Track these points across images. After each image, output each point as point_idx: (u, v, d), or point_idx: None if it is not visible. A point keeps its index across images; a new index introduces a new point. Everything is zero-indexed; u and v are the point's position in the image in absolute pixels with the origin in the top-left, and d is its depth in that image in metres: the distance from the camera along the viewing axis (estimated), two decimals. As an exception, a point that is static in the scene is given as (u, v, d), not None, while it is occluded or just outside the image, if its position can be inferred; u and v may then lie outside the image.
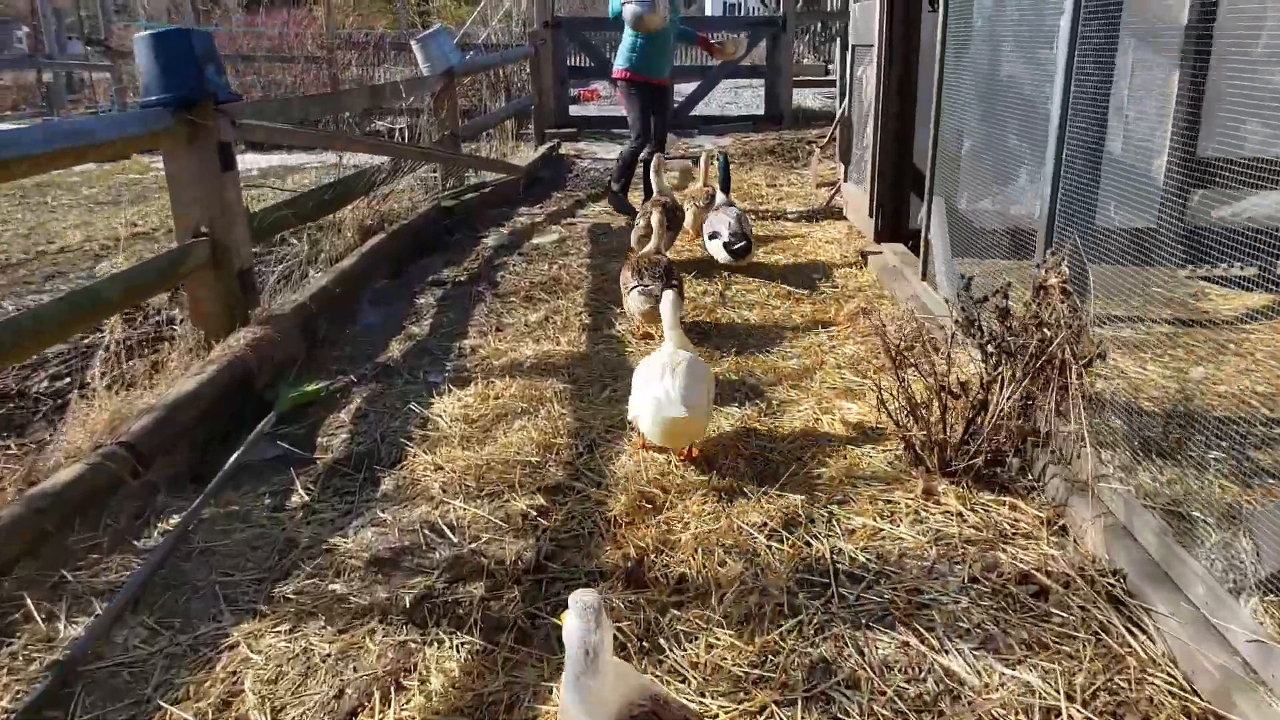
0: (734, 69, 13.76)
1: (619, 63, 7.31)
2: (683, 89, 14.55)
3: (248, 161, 10.41)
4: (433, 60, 8.31)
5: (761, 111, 14.19)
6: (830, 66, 19.86)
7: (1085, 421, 3.00)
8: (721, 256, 6.09)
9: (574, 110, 14.63)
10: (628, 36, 7.10)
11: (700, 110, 14.17)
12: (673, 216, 6.48)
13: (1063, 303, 3.17)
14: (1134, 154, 3.55)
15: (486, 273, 6.25)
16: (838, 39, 14.02)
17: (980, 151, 4.56)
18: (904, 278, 5.49)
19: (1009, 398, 3.14)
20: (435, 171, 8.24)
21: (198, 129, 4.21)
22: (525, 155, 10.92)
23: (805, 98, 15.39)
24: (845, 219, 7.66)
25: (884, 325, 3.68)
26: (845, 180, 7.37)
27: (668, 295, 3.68)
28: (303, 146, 7.71)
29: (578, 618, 1.65)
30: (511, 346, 4.84)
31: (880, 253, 6.16)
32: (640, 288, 4.61)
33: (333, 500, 3.41)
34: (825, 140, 10.42)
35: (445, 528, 3.15)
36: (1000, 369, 3.14)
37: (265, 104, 5.07)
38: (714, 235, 6.09)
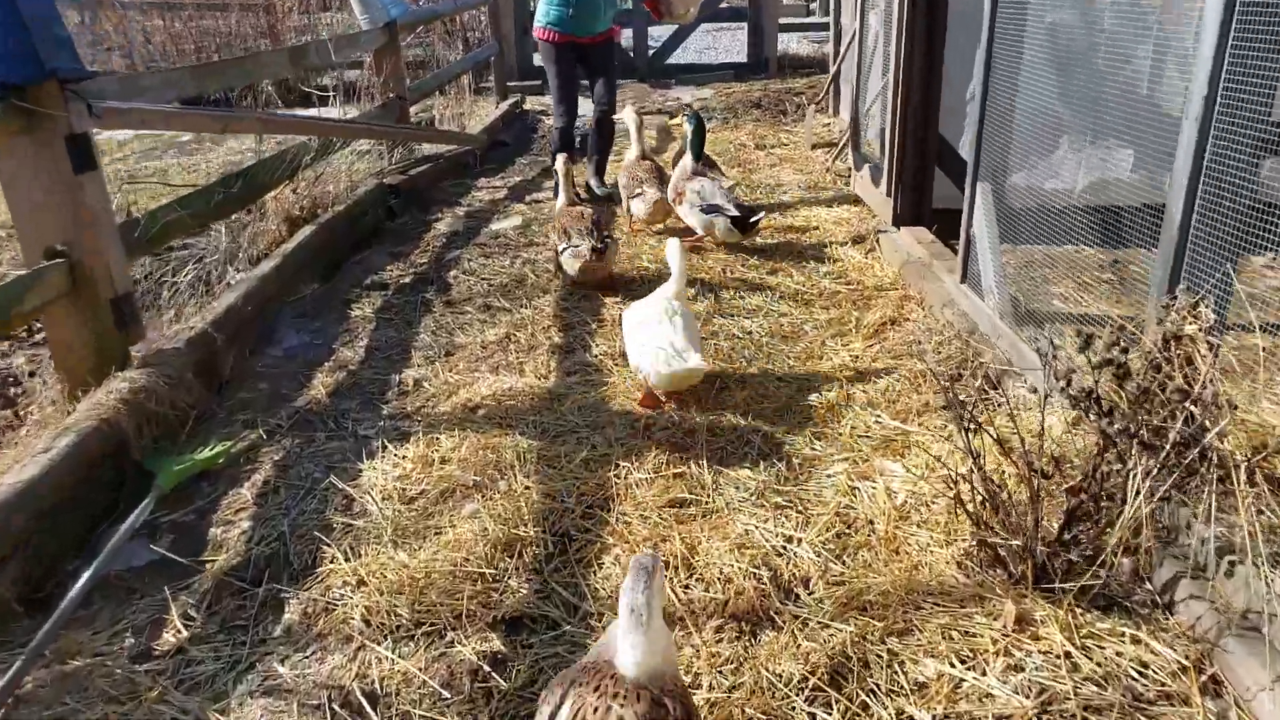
0: (713, 11, 12.63)
1: (537, 19, 6.16)
2: (657, 33, 13.40)
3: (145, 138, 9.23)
4: (371, 10, 7.21)
5: (744, 59, 13.09)
6: (812, 6, 18.67)
7: (1256, 529, 2.16)
8: (726, 233, 5.18)
9: (539, 60, 13.44)
10: None
11: (676, 58, 13.03)
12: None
13: (1208, 360, 2.30)
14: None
15: (437, 271, 5.28)
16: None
17: (1048, 125, 3.64)
18: (934, 275, 4.60)
19: (1143, 494, 2.28)
20: (380, 141, 7.20)
21: (37, 119, 3.20)
22: (485, 113, 9.83)
23: (790, 42, 14.27)
24: (850, 189, 6.73)
25: (932, 360, 2.78)
26: (854, 148, 6.41)
27: (673, 243, 3.85)
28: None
29: (630, 576, 1.66)
30: (464, 379, 3.92)
31: (898, 236, 5.25)
32: (571, 248, 4.74)
33: (218, 639, 2.52)
34: (821, 94, 9.41)
35: (363, 699, 2.27)
36: (1130, 460, 2.27)
37: (139, 80, 4.02)
38: (712, 209, 5.15)
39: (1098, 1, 3.33)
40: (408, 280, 5.15)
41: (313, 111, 7.34)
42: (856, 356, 4.00)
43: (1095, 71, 3.30)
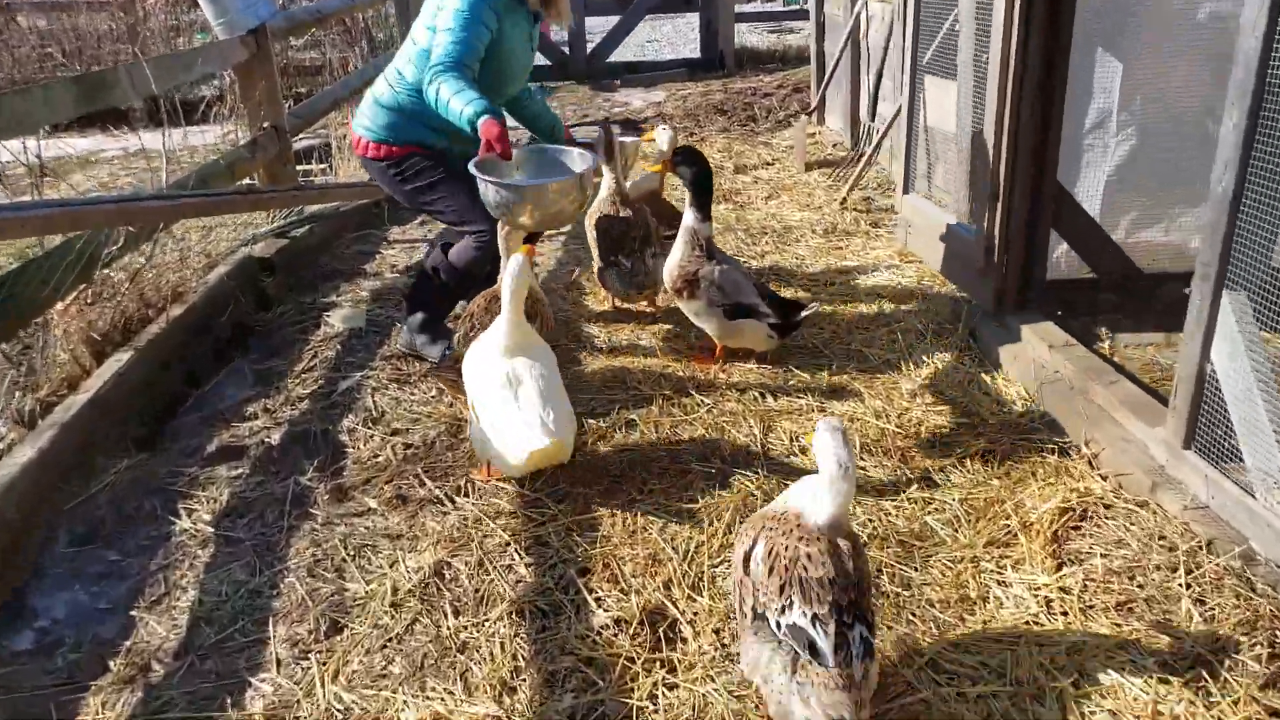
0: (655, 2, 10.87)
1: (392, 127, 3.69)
2: (597, 25, 11.59)
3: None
4: (229, 13, 5.27)
5: (696, 54, 11.36)
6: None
7: None
8: (764, 342, 3.50)
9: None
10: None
11: (619, 55, 11.23)
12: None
13: None
14: None
15: (322, 419, 3.44)
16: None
17: None
18: (1107, 415, 2.95)
19: None
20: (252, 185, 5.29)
21: None
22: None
23: (746, 35, 12.58)
24: (887, 231, 5.08)
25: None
26: (905, 189, 4.73)
27: (514, 261, 2.86)
28: None
29: (829, 435, 1.89)
30: (361, 704, 2.14)
31: (1009, 331, 3.60)
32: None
33: None
34: (814, 100, 7.73)
35: None
36: None
37: None
38: (740, 310, 3.44)
39: None
40: (275, 440, 3.30)
41: (145, 137, 5.23)
42: (1048, 601, 2.32)
43: None
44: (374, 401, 3.52)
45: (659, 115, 9.62)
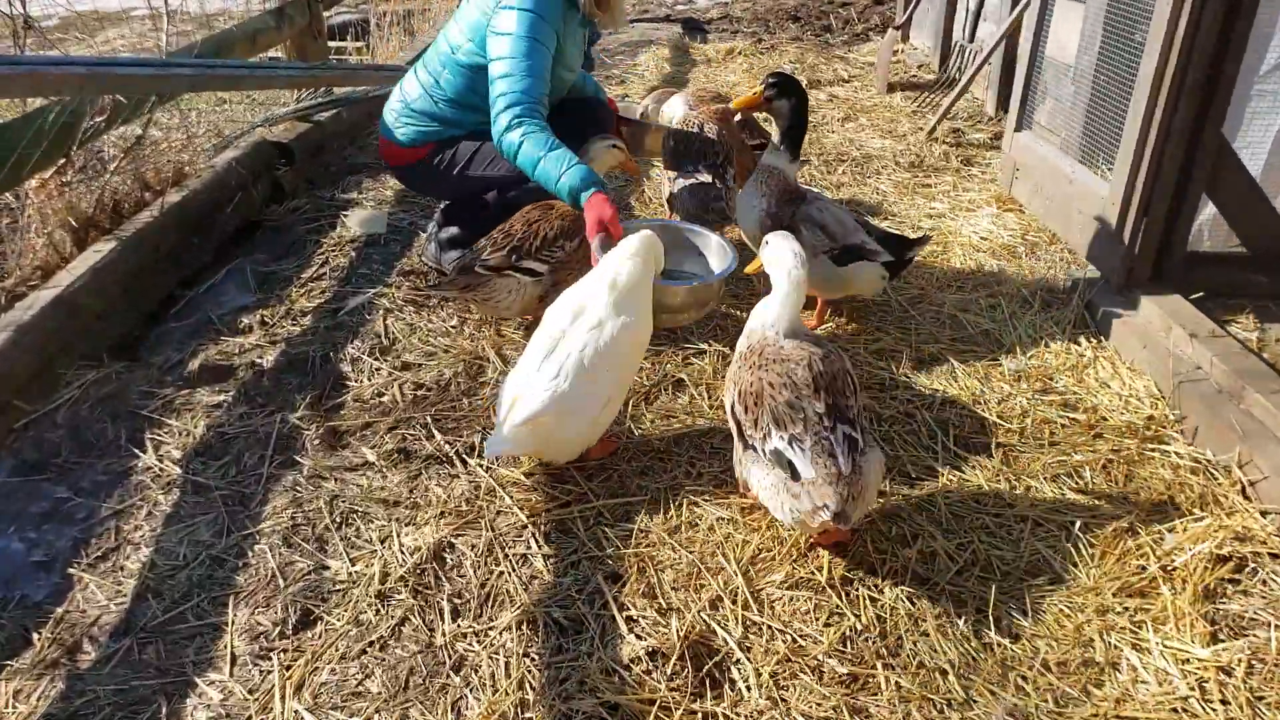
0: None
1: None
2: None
3: None
4: None
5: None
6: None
7: None
8: (874, 284, 2.98)
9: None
10: None
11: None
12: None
13: None
14: None
15: (324, 343, 2.97)
16: None
17: None
18: (1274, 437, 2.39)
19: None
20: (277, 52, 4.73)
21: None
22: None
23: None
24: (969, 163, 4.44)
25: None
26: (1019, 125, 4.06)
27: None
28: None
29: (782, 244, 2.20)
30: (329, 726, 1.72)
31: (1139, 314, 3.03)
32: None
33: None
34: (904, 11, 6.93)
35: None
36: None
37: None
38: (846, 251, 2.88)
39: None
40: (268, 363, 2.84)
41: None
42: (1202, 684, 1.83)
43: None
44: (385, 326, 3.04)
45: (725, 17, 8.83)
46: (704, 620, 1.95)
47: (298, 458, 2.42)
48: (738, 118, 3.82)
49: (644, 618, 1.95)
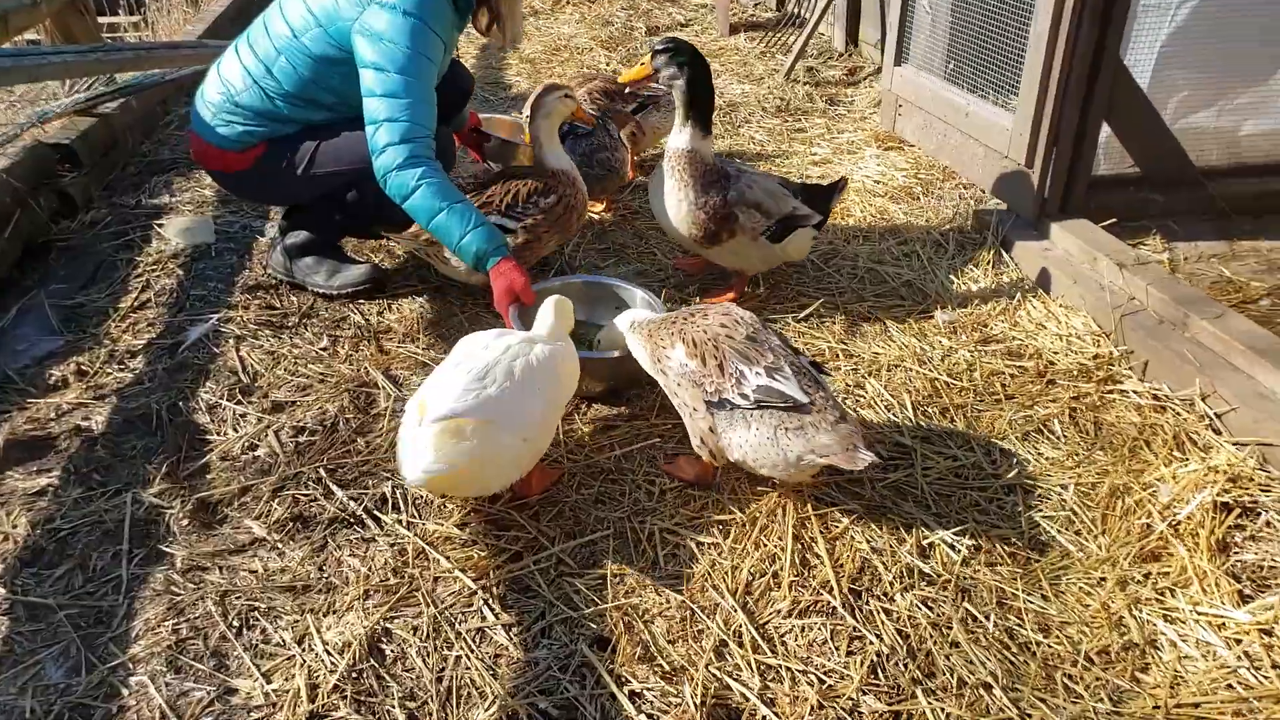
0: None
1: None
2: None
3: None
4: None
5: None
6: None
7: None
8: (807, 249, 2.73)
9: None
10: None
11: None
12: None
13: None
14: None
15: (167, 393, 2.43)
16: None
17: None
18: (1228, 365, 2.33)
19: None
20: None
21: None
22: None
23: None
24: (833, 102, 4.26)
25: None
26: (898, 59, 3.88)
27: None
28: None
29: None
30: None
31: (1056, 245, 2.93)
32: None
33: None
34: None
35: None
36: None
37: None
38: (782, 224, 2.59)
39: None
40: (98, 425, 2.28)
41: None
42: (1246, 652, 1.70)
43: None
44: (240, 359, 2.53)
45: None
46: (714, 675, 1.66)
47: (165, 547, 1.93)
48: (628, 92, 3.46)
49: (649, 690, 1.63)
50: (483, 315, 2.77)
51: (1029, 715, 1.61)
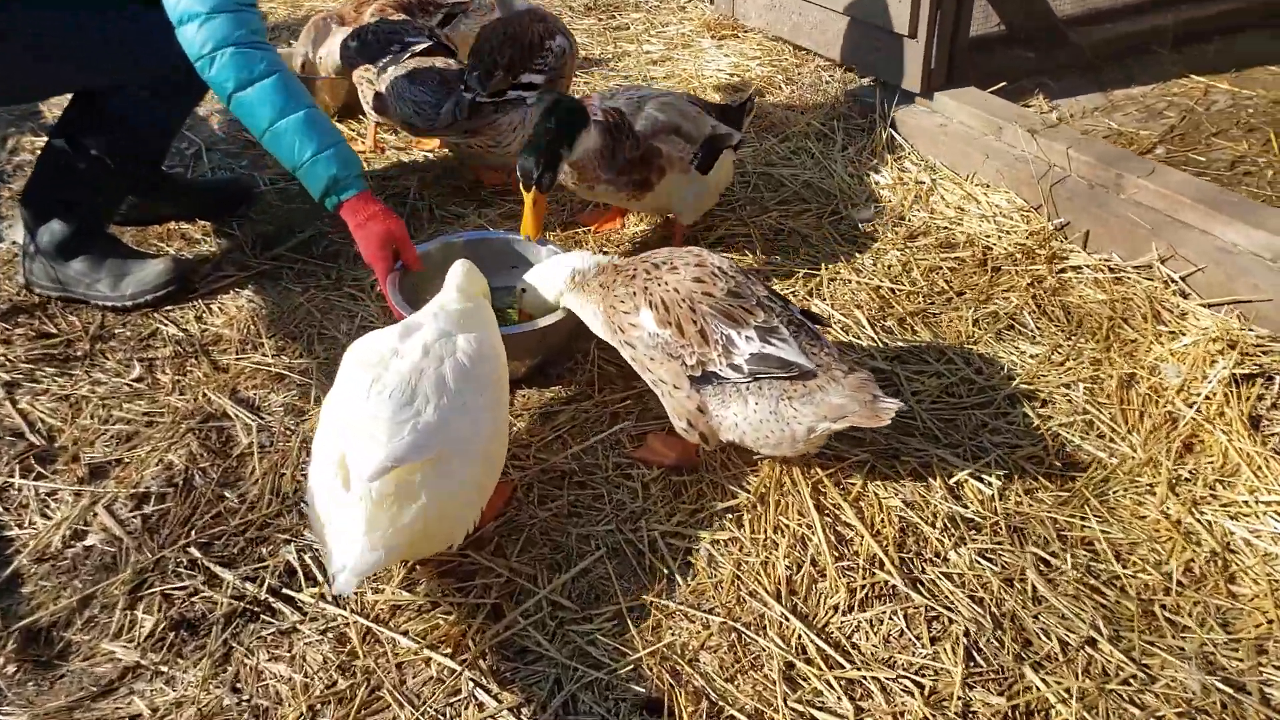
0: None
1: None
2: None
3: None
4: None
5: None
6: None
7: None
8: (731, 171, 2.40)
9: None
10: None
11: None
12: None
13: None
14: None
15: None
16: None
17: None
18: (1179, 222, 2.20)
19: None
20: None
21: None
22: None
23: None
24: (673, 1, 3.85)
25: None
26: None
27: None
28: None
29: None
30: None
31: (949, 118, 2.71)
32: None
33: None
34: None
35: None
36: None
37: None
38: (707, 146, 2.18)
39: None
40: None
41: None
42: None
43: None
44: (21, 412, 1.86)
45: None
46: (797, 711, 1.33)
47: (-13, 715, 1.34)
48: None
49: (734, 753, 1.27)
50: (334, 300, 2.21)
51: (1148, 666, 1.39)
